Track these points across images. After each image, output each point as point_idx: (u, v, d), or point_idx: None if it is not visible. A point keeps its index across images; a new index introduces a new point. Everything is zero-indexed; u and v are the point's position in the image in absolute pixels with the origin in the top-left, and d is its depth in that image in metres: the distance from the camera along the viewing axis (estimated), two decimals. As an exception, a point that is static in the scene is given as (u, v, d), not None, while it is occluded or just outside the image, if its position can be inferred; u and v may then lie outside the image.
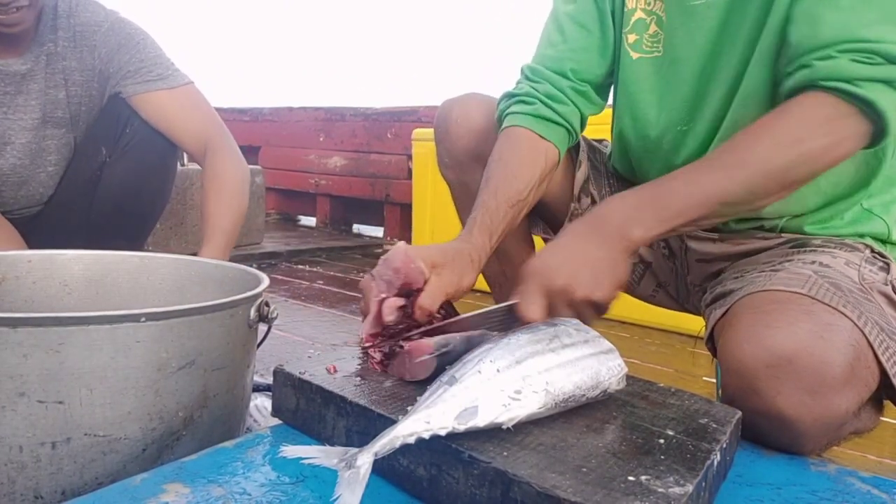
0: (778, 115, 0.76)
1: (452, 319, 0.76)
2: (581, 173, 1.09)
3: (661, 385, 0.71)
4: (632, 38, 0.97)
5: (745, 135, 0.76)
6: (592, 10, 1.00)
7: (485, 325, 0.76)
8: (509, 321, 0.76)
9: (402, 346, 0.69)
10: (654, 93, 0.97)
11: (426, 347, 0.67)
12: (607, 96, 1.05)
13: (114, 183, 1.35)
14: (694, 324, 1.04)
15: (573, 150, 1.11)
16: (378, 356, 0.71)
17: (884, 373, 0.71)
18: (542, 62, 1.02)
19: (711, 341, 0.84)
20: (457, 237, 0.87)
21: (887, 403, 0.78)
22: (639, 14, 0.96)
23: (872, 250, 0.87)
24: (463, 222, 1.17)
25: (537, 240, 1.20)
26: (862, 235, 0.90)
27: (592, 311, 0.76)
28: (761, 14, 0.84)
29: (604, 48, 1.01)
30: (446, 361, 0.64)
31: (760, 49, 0.84)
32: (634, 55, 0.97)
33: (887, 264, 0.85)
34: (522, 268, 0.77)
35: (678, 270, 1.06)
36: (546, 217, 1.15)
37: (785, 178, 0.74)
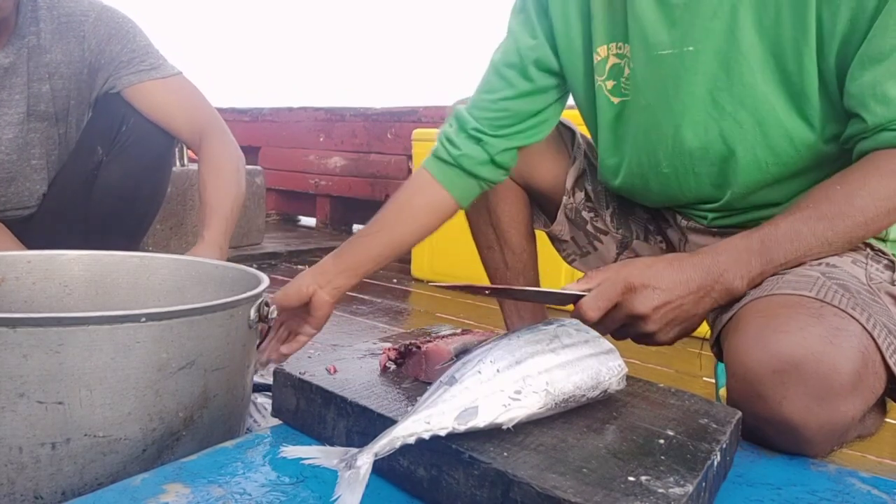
0: (869, 168, 0.78)
1: (511, 287, 0.77)
2: (575, 168, 1.10)
3: (661, 385, 0.71)
4: (610, 84, 0.97)
5: (839, 187, 0.78)
6: (514, 59, 1.00)
7: (552, 302, 0.78)
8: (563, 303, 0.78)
9: (419, 347, 0.69)
10: (639, 134, 0.96)
11: (445, 353, 0.68)
12: (528, 136, 1.03)
13: (110, 182, 1.34)
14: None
15: (568, 145, 1.12)
16: (392, 354, 0.72)
17: (891, 376, 0.71)
18: (468, 107, 1.03)
19: (717, 345, 0.84)
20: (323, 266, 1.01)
21: (891, 406, 0.77)
22: (612, 60, 0.96)
23: (872, 247, 0.87)
24: (468, 214, 1.19)
25: (539, 233, 1.21)
26: None
27: (640, 341, 0.79)
28: (756, 75, 0.84)
29: (520, 96, 1.00)
30: None
31: (780, 112, 0.84)
32: (615, 100, 0.97)
33: (892, 262, 0.85)
34: (616, 268, 0.78)
35: None
36: (545, 207, 1.17)
37: (879, 226, 0.77)
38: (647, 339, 0.78)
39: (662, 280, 0.76)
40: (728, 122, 0.87)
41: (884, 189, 0.76)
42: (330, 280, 0.98)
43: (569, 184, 1.10)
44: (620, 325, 0.77)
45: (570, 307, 0.79)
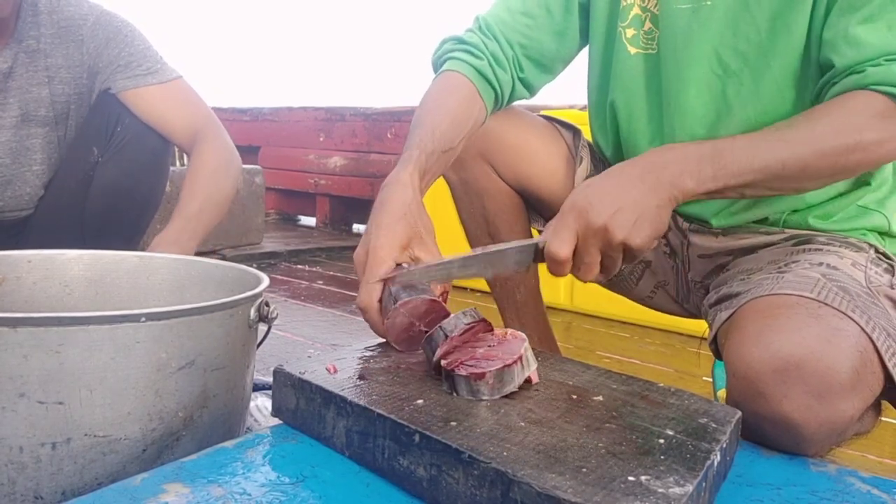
0: (833, 105, 0.78)
1: (469, 254, 0.75)
2: (583, 169, 1.09)
3: (661, 385, 0.71)
4: (630, 32, 0.98)
5: (802, 117, 0.79)
6: None
7: (509, 266, 0.78)
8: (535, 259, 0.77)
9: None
10: (650, 90, 0.97)
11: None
12: (548, 78, 1.06)
13: (106, 183, 1.33)
14: (693, 324, 1.04)
15: (573, 146, 1.12)
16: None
17: (888, 377, 0.71)
18: (496, 21, 1.01)
19: (715, 343, 0.84)
20: (397, 174, 0.84)
21: (886, 404, 0.78)
22: (636, 10, 0.97)
23: (877, 250, 0.87)
24: (464, 223, 1.18)
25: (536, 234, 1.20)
26: (863, 232, 0.90)
27: (622, 258, 0.76)
28: (762, 33, 0.86)
29: (559, 33, 1.02)
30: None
31: (776, 69, 0.86)
32: (633, 50, 0.98)
33: (892, 266, 0.86)
34: (565, 203, 0.76)
35: (679, 268, 1.06)
36: (545, 212, 1.15)
37: (837, 162, 0.76)
38: (627, 254, 0.75)
39: (604, 189, 0.75)
40: (731, 80, 0.89)
41: (845, 122, 0.76)
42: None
43: (577, 184, 1.08)
44: (597, 253, 0.74)
45: (543, 266, 0.78)
